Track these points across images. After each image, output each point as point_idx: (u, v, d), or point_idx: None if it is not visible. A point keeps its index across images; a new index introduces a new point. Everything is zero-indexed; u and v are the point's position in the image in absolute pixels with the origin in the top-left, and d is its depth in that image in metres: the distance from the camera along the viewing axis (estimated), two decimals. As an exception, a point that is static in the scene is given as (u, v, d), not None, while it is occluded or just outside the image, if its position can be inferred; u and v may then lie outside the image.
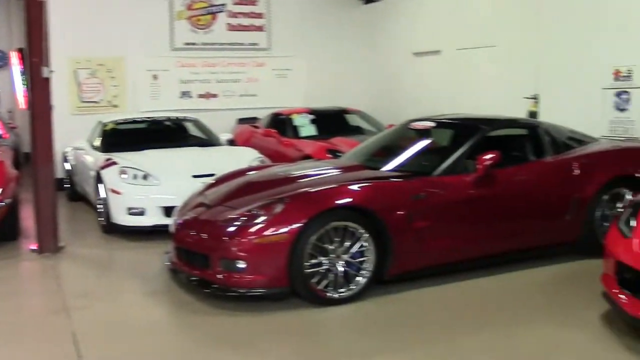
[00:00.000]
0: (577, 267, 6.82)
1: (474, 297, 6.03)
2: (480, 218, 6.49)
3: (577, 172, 7.05)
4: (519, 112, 10.35)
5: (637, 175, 7.44)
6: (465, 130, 7.02)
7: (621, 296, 4.99)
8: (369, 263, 5.86)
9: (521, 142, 7.34)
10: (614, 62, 9.14)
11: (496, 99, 11.06)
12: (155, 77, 13.20)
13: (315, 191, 5.93)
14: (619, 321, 5.17)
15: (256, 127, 12.50)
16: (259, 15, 14.00)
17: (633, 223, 5.20)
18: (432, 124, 7.47)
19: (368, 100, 13.99)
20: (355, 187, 6.00)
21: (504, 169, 6.67)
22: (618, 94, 9.08)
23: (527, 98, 10.68)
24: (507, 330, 5.25)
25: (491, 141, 7.04)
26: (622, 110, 9.03)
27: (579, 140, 7.63)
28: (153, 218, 8.18)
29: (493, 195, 6.52)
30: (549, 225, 6.94)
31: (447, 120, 7.65)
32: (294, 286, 5.68)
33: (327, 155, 9.44)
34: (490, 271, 6.60)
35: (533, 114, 10.42)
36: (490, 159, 6.40)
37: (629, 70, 8.97)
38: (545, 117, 9.67)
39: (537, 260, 6.91)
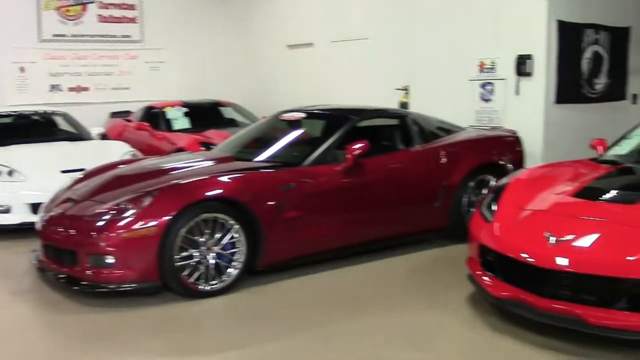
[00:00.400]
0: (446, 252, 7.05)
1: (347, 285, 6.12)
2: (351, 207, 6.61)
3: (444, 160, 7.28)
4: (391, 103, 10.61)
5: (500, 162, 7.75)
6: (335, 121, 7.12)
7: (484, 278, 5.18)
8: (240, 254, 5.86)
9: (391, 131, 7.51)
10: (479, 55, 9.47)
11: (369, 91, 11.27)
12: (22, 69, 12.68)
13: (185, 183, 5.87)
14: (484, 302, 5.36)
15: (129, 120, 12.25)
16: (130, 7, 13.71)
17: (494, 207, 5.41)
18: (302, 114, 7.53)
19: (243, 92, 13.96)
20: (225, 178, 5.97)
21: (373, 158, 6.81)
22: (483, 85, 9.44)
23: (399, 89, 10.95)
24: (380, 315, 5.35)
25: (361, 131, 7.16)
26: (487, 100, 9.39)
27: (447, 129, 7.88)
28: (19, 215, 7.87)
29: (363, 184, 6.64)
30: (418, 212, 7.13)
31: (318, 111, 7.74)
32: (165, 280, 5.61)
33: (200, 148, 9.36)
34: (363, 259, 6.73)
35: (404, 105, 10.70)
36: (359, 148, 6.50)
37: (492, 63, 9.35)
38: (416, 107, 9.97)
39: (408, 246, 7.10)
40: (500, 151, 7.92)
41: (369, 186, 6.70)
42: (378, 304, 5.62)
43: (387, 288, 6.04)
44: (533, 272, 4.70)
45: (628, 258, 4.36)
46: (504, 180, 5.85)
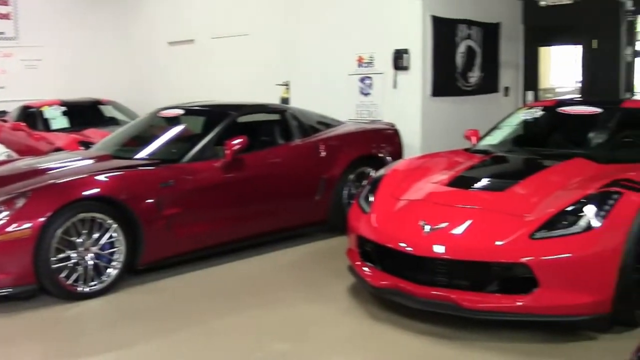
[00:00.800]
0: (328, 245, 7.12)
1: (228, 281, 6.10)
2: (232, 202, 6.59)
3: (324, 153, 7.35)
4: (273, 98, 10.63)
5: (379, 154, 7.89)
6: (214, 117, 7.07)
7: (364, 268, 5.26)
8: (119, 254, 5.74)
9: (270, 126, 7.52)
10: (357, 50, 9.60)
11: (251, 86, 11.28)
12: None
13: (60, 183, 5.69)
14: (364, 292, 5.44)
15: (4, 120, 11.80)
16: (3, 2, 13.17)
17: (372, 199, 5.49)
18: (181, 111, 7.45)
19: (124, 90, 13.68)
20: (102, 177, 5.83)
21: (253, 153, 6.82)
22: (362, 80, 9.58)
23: (279, 85, 10.97)
24: (260, 309, 5.36)
25: (242, 127, 7.13)
26: (366, 94, 9.54)
27: (327, 123, 7.95)
28: None
29: (243, 179, 6.63)
30: (300, 206, 7.17)
31: (197, 108, 7.65)
32: (42, 283, 5.43)
33: (79, 147, 9.11)
34: (245, 254, 6.73)
35: (285, 100, 10.74)
36: (238, 144, 6.49)
37: (370, 57, 9.49)
38: (297, 103, 10.03)
39: (290, 240, 7.13)
40: (379, 143, 8.07)
41: (249, 181, 6.69)
42: (258, 298, 5.61)
43: (267, 283, 6.05)
44: (410, 261, 4.81)
45: (497, 243, 4.52)
46: (380, 172, 5.95)
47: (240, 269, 6.42)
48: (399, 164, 6.12)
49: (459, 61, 9.48)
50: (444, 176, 5.52)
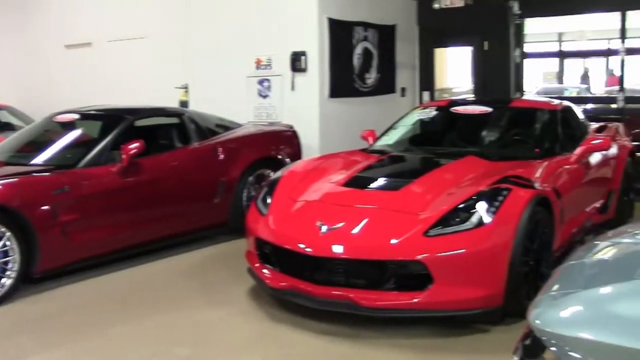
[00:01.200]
0: (228, 248, 7.09)
1: (129, 287, 6.00)
2: (130, 207, 6.49)
3: (222, 156, 7.31)
4: (173, 101, 10.49)
5: (279, 156, 7.90)
6: (110, 121, 6.92)
7: (263, 270, 5.25)
8: (13, 263, 5.54)
9: (168, 130, 7.43)
10: (255, 52, 9.58)
11: (151, 90, 11.07)
12: None
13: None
14: (264, 294, 5.43)
15: None
16: None
17: (269, 201, 5.49)
18: (76, 116, 7.26)
19: (21, 95, 13.18)
20: (-8, 185, 5.62)
21: (151, 157, 6.74)
22: (260, 82, 9.56)
23: (178, 88, 10.84)
24: (159, 315, 5.29)
25: (139, 131, 7.05)
26: (264, 96, 9.54)
27: (225, 126, 7.91)
28: None
29: (141, 183, 6.54)
30: (199, 208, 7.12)
31: (93, 112, 7.47)
32: None
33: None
34: (147, 259, 6.64)
35: (184, 103, 10.61)
36: (134, 148, 6.40)
37: (268, 59, 9.49)
38: (196, 106, 9.93)
39: (192, 243, 7.08)
40: (277, 145, 8.09)
41: (147, 185, 6.61)
42: (158, 304, 5.54)
43: (167, 287, 5.97)
44: (308, 261, 4.84)
45: (392, 241, 4.59)
46: (278, 174, 5.96)
47: (140, 274, 6.32)
48: (296, 165, 6.15)
49: (356, 63, 9.59)
50: (341, 176, 5.58)
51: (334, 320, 4.88)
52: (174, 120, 7.48)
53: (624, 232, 3.56)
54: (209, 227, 7.27)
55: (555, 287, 2.71)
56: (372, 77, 9.91)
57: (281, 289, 5.04)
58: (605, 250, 3.15)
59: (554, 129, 6.35)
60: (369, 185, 5.40)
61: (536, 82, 24.80)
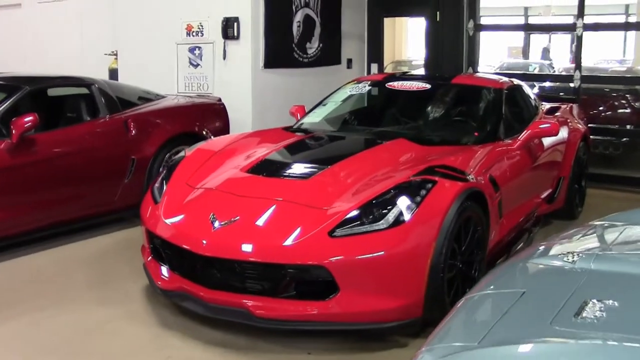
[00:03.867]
0: (138, 233, 6.25)
1: (15, 279, 5.25)
2: (21, 189, 5.73)
3: (134, 131, 6.53)
4: (102, 69, 9.70)
5: (204, 132, 7.16)
6: (3, 91, 6.07)
7: (156, 268, 4.53)
8: None
9: (75, 102, 6.62)
10: (186, 17, 8.78)
11: (79, 56, 10.28)
12: None
13: None
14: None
15: None
16: None
17: (165, 186, 4.76)
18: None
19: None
20: None
21: (50, 132, 6.06)
22: (191, 50, 8.78)
23: (108, 55, 10.03)
24: (37, 316, 4.57)
25: (41, 102, 6.36)
26: (195, 65, 8.75)
27: (146, 98, 7.13)
28: None
29: (35, 162, 5.78)
30: (105, 190, 6.37)
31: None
32: None
33: None
34: (43, 246, 5.89)
35: (114, 71, 9.81)
36: (27, 122, 5.60)
37: (200, 25, 8.70)
38: (125, 74, 9.22)
39: (93, 229, 6.31)
40: (202, 120, 7.36)
41: (44, 164, 5.85)
42: (42, 300, 4.81)
43: (58, 280, 5.24)
44: (198, 261, 4.11)
45: (289, 242, 3.88)
46: (180, 154, 5.23)
47: (31, 264, 5.58)
48: (203, 145, 5.43)
49: (296, 31, 8.82)
50: (248, 160, 4.85)
51: (231, 328, 4.21)
52: (82, 90, 6.65)
53: (560, 242, 2.88)
54: (118, 210, 6.52)
55: (444, 335, 2.02)
56: (314, 46, 9.15)
57: (171, 290, 4.35)
58: (523, 276, 2.47)
59: (498, 110, 5.67)
60: (277, 171, 4.68)
61: (501, 57, 24.27)
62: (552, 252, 2.65)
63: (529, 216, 5.73)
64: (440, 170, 4.29)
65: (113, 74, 9.75)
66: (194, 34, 8.71)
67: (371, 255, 3.82)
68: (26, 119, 5.64)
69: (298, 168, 4.74)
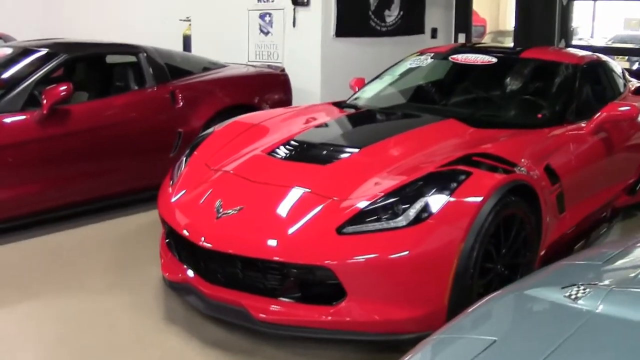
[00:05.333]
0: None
1: (34, 260, 4.93)
2: (54, 162, 5.46)
3: (181, 102, 6.17)
4: (175, 35, 9.43)
5: (264, 104, 6.76)
6: (40, 58, 5.81)
7: (171, 257, 4.15)
8: None
9: (122, 70, 6.30)
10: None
11: (155, 24, 10.05)
12: None
13: None
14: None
15: None
16: None
17: (183, 166, 4.36)
18: (8, 50, 6.19)
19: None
20: None
21: (88, 102, 5.84)
22: (262, 16, 8.34)
23: (183, 20, 9.74)
24: (48, 298, 4.30)
25: (82, 70, 6.23)
26: (266, 33, 8.31)
27: (209, 68, 6.76)
28: None
29: (70, 133, 5.50)
30: (149, 164, 6.03)
31: (26, 46, 6.29)
32: None
33: None
34: (63, 225, 5.57)
35: (187, 38, 9.52)
36: (59, 92, 5.33)
37: (270, -11, 8.21)
38: (198, 41, 8.97)
39: (134, 206, 5.98)
40: (262, 91, 6.95)
41: (79, 136, 5.56)
42: (55, 284, 4.51)
43: (76, 262, 4.92)
44: (200, 253, 3.69)
45: (287, 239, 3.40)
46: (209, 130, 4.80)
47: (54, 243, 5.29)
48: (241, 118, 4.98)
49: (373, -3, 8.20)
50: (275, 140, 4.37)
51: (237, 328, 3.77)
52: (128, 58, 6.33)
53: (576, 264, 2.29)
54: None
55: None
56: (393, 14, 8.53)
57: (175, 282, 3.96)
58: (504, 314, 1.90)
59: (569, 89, 4.96)
60: (299, 154, 4.18)
61: (614, 28, 22.66)
62: (556, 279, 2.05)
63: (603, 209, 5.02)
64: (479, 159, 3.69)
65: (187, 40, 9.46)
66: (265, -1, 8.25)
67: (385, 256, 3.28)
68: (60, 89, 5.35)
69: (323, 150, 4.23)
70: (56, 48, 5.90)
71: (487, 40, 15.37)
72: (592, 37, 21.21)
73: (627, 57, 12.24)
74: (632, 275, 2.13)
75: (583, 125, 4.69)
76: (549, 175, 4.07)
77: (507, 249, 3.69)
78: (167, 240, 4.22)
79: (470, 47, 6.16)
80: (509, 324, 1.92)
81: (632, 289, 1.94)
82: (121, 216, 5.85)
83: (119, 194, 5.93)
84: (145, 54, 6.26)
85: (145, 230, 5.55)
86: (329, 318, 3.37)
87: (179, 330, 3.89)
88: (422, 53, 5.78)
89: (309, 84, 7.75)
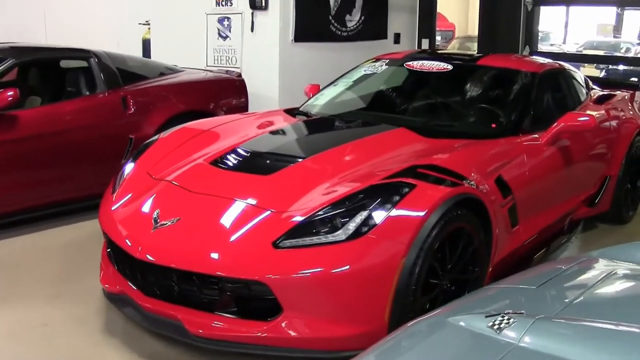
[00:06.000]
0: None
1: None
2: (0, 168, 5.31)
3: (133, 108, 6.02)
4: (135, 39, 9.27)
5: (220, 110, 6.62)
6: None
7: (111, 267, 4.01)
8: None
9: (74, 75, 6.14)
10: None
11: (115, 27, 9.87)
12: None
13: None
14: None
15: None
16: None
17: (126, 173, 4.22)
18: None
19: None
20: None
21: (35, 108, 5.73)
22: (220, 20, 8.20)
23: (142, 24, 9.57)
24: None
25: (28, 75, 6.10)
26: (224, 37, 8.17)
27: (165, 73, 6.62)
28: None
29: (15, 140, 5.36)
30: (99, 171, 5.86)
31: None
32: None
33: None
34: (17, 231, 5.45)
35: (147, 42, 9.36)
36: (7, 97, 5.19)
37: (230, -7, 8.08)
38: (158, 45, 8.82)
39: (82, 214, 5.79)
40: (217, 97, 6.80)
41: (26, 142, 5.42)
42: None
43: (19, 271, 4.76)
44: (136, 264, 3.56)
45: (221, 252, 3.27)
46: (155, 137, 4.66)
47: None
48: (186, 126, 4.83)
49: (333, 1, 8.10)
50: (219, 148, 4.24)
51: (173, 340, 3.63)
52: (81, 63, 6.17)
53: (508, 287, 2.19)
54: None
55: None
56: (354, 19, 8.44)
57: (114, 293, 3.81)
58: (417, 346, 1.80)
59: (526, 98, 4.88)
60: (242, 164, 4.06)
61: (588, 35, 22.80)
62: (484, 305, 1.95)
63: (561, 221, 4.95)
64: (425, 171, 3.59)
65: (146, 44, 9.30)
66: (223, 2, 8.14)
67: (322, 271, 3.16)
68: (7, 94, 5.22)
69: (267, 160, 4.11)
70: (4, 53, 5.73)
71: (454, 45, 15.34)
72: (564, 42, 21.30)
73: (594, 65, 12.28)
74: (565, 302, 2.03)
75: (538, 135, 4.61)
76: (500, 187, 3.98)
77: (453, 264, 3.59)
78: (108, 250, 4.06)
79: (427, 54, 6.08)
80: (425, 355, 1.81)
81: (558, 320, 1.84)
82: (68, 224, 5.69)
83: (68, 201, 5.77)
84: (96, 59, 6.10)
85: (92, 239, 5.36)
86: (265, 334, 3.25)
87: (116, 344, 3.77)
88: (377, 59, 5.69)
89: (268, 89, 7.64)
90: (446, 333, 1.88)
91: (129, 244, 3.58)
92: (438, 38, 17.62)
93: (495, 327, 1.79)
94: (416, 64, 5.34)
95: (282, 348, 3.29)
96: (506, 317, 1.82)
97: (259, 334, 3.26)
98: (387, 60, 5.58)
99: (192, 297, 3.42)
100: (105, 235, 3.94)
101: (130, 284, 3.70)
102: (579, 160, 5.03)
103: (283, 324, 3.23)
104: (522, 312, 1.88)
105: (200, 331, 3.34)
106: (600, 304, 2.04)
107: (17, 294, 4.39)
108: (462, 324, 1.86)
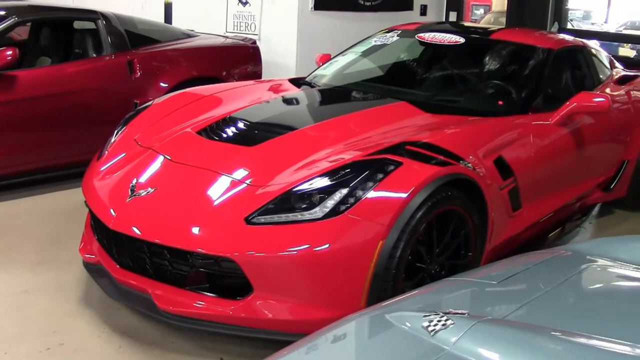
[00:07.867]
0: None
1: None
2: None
3: (139, 72, 5.88)
4: (160, 2, 9.11)
5: (231, 77, 6.45)
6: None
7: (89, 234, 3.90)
8: None
9: (80, 37, 6.02)
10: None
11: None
12: None
13: None
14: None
15: None
16: None
17: (113, 139, 4.09)
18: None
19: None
20: None
21: (36, 69, 5.65)
22: (237, -16, 8.00)
23: (164, -13, 9.40)
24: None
25: (49, 35, 6.00)
26: (244, 3, 7.97)
27: (180, 37, 6.52)
28: None
29: (13, 101, 5.25)
30: (101, 136, 5.70)
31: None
32: None
33: None
34: (11, 194, 5.36)
35: (168, 5, 9.18)
36: (7, 56, 5.09)
37: (250, -42, 7.88)
38: (179, 9, 8.65)
39: (70, 180, 5.67)
40: (228, 63, 6.63)
41: (25, 104, 5.31)
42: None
43: (9, 235, 4.68)
44: (111, 234, 3.44)
45: (192, 226, 3.12)
46: (148, 103, 4.52)
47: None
48: (188, 91, 4.69)
49: (357, -32, 7.85)
50: (210, 117, 4.08)
51: (146, 315, 3.50)
52: (86, 24, 6.04)
53: (458, 284, 2.01)
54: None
55: None
56: (379, -12, 8.16)
57: (88, 262, 3.69)
58: (345, 345, 1.63)
59: (538, 75, 4.63)
60: (228, 134, 3.90)
61: (634, 13, 22.05)
62: (430, 300, 1.77)
63: (571, 205, 4.72)
64: (415, 148, 3.38)
65: (168, 8, 9.13)
66: (243, -32, 7.92)
67: (295, 251, 3.00)
68: (6, 53, 5.10)
69: (255, 130, 3.94)
70: (7, 10, 5.61)
71: (489, 19, 14.92)
72: (605, 22, 20.64)
73: (630, 45, 11.81)
74: (522, 301, 1.84)
75: (547, 115, 4.36)
76: (500, 169, 3.76)
77: (442, 249, 3.40)
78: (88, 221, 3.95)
79: (441, 26, 5.83)
80: (351, 353, 1.64)
81: (501, 325, 1.65)
82: (65, 189, 5.58)
83: (67, 165, 5.66)
84: (104, 21, 5.96)
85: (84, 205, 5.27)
86: (234, 313, 3.10)
87: (90, 315, 3.66)
88: (390, 30, 5.46)
89: (285, 57, 7.46)
90: (380, 330, 1.71)
91: (105, 213, 3.44)
92: (480, 11, 17.20)
93: (430, 328, 1.61)
94: (428, 36, 5.10)
95: (252, 329, 3.14)
96: (444, 318, 1.63)
97: (229, 312, 3.11)
98: (399, 32, 5.35)
99: (164, 271, 3.28)
100: (86, 203, 3.81)
101: (107, 255, 3.56)
102: (592, 142, 4.77)
103: (253, 304, 3.08)
104: (465, 312, 1.69)
105: (170, 308, 3.19)
106: (559, 305, 1.84)
107: (4, 258, 4.30)
108: (397, 322, 1.68)
